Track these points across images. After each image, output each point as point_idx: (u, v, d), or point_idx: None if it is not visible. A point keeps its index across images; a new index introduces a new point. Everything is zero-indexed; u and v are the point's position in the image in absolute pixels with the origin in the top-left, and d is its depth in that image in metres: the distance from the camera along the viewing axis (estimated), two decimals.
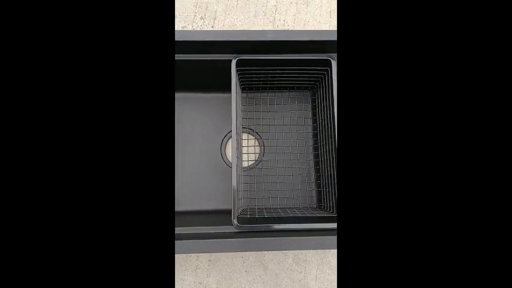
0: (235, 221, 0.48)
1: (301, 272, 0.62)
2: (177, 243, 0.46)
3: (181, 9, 0.71)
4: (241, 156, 0.63)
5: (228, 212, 0.61)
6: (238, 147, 0.57)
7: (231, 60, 0.54)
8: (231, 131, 0.65)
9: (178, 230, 0.52)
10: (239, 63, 0.54)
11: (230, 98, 0.65)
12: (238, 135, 0.57)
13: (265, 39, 0.49)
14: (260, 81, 0.62)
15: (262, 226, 0.48)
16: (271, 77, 0.60)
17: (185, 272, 0.61)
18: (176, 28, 0.71)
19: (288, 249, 0.45)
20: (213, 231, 0.52)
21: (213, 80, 0.61)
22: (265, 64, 0.56)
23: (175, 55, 0.56)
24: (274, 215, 0.54)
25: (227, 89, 0.64)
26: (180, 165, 0.63)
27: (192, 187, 0.62)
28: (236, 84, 0.53)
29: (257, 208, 0.60)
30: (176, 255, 0.61)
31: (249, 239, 0.44)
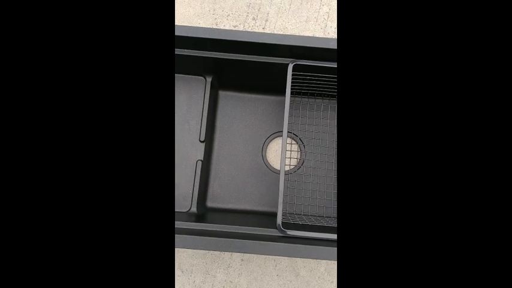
0: (280, 225, 0.48)
1: (332, 282, 0.62)
2: (220, 240, 0.46)
3: (234, 9, 0.72)
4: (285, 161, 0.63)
5: (263, 214, 0.62)
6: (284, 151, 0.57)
7: (284, 64, 0.54)
8: (273, 133, 0.65)
9: (218, 227, 0.52)
10: (295, 68, 0.54)
11: (274, 100, 0.66)
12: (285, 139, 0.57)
13: (327, 47, 0.49)
14: (310, 87, 0.62)
15: (308, 233, 0.48)
16: (321, 84, 0.60)
17: (217, 270, 0.61)
18: (227, 27, 0.71)
19: (334, 260, 0.45)
20: (254, 232, 0.52)
21: (262, 81, 0.62)
22: (318, 71, 0.56)
23: (232, 54, 0.56)
24: (314, 222, 0.54)
25: (273, 91, 0.65)
26: (225, 163, 0.63)
27: (232, 185, 0.62)
28: (289, 88, 0.53)
29: (295, 213, 0.60)
30: (209, 252, 0.62)
31: (297, 245, 0.44)
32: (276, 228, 0.49)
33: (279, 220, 0.48)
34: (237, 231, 0.52)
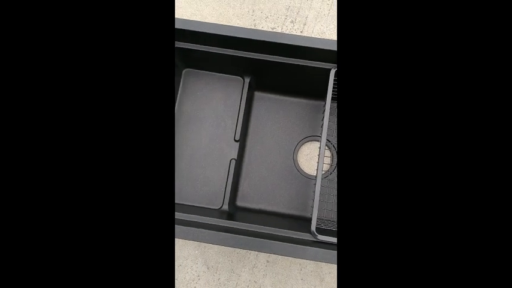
0: (314, 230, 0.48)
1: None
2: (251, 239, 0.47)
3: (273, 11, 0.72)
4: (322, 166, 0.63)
5: (292, 217, 0.62)
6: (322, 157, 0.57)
7: (325, 69, 0.54)
8: (306, 137, 0.65)
9: (248, 227, 0.53)
10: (337, 74, 0.54)
11: (308, 104, 0.66)
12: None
13: None
14: None
15: None
16: None
17: (242, 269, 0.62)
18: (265, 29, 0.72)
19: None
20: (284, 235, 0.52)
21: (299, 84, 0.62)
22: None
23: (272, 56, 0.57)
24: None
25: (308, 94, 0.65)
26: (256, 164, 0.63)
27: (261, 186, 0.63)
28: (330, 94, 0.53)
29: (325, 219, 0.60)
30: (235, 251, 0.62)
31: (330, 251, 0.44)
32: (309, 233, 0.49)
33: (314, 226, 0.48)
34: (267, 232, 0.52)
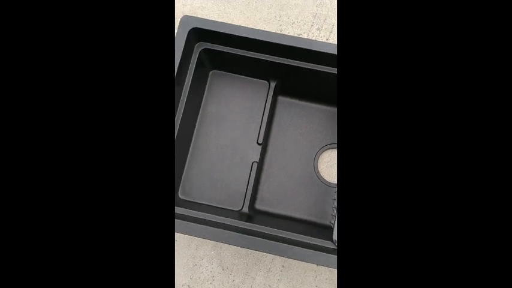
0: (336, 239, 0.48)
1: None
2: (270, 243, 0.47)
3: (300, 17, 0.72)
4: None
5: (310, 223, 0.61)
6: None
7: None
8: (327, 144, 0.65)
9: (267, 230, 0.53)
10: None
11: (331, 111, 0.65)
12: None
13: None
14: None
15: None
16: None
17: (257, 272, 0.62)
18: (291, 34, 0.72)
19: None
20: (304, 241, 0.52)
21: (324, 91, 0.62)
22: None
23: (299, 61, 0.57)
24: None
25: (332, 102, 0.65)
26: (276, 169, 0.63)
27: (281, 190, 0.63)
28: None
29: None
30: (251, 254, 0.62)
31: None
32: (330, 240, 0.49)
33: (336, 234, 0.48)
34: (288, 236, 0.52)
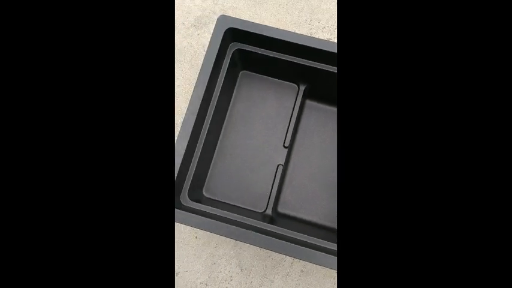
0: None
1: None
2: (294, 246, 0.47)
3: (331, 22, 0.72)
4: None
5: (331, 230, 0.61)
6: None
7: None
8: None
9: (293, 234, 0.52)
10: None
11: None
12: None
13: None
14: None
15: None
16: None
17: (275, 276, 0.61)
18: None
19: None
20: (327, 247, 0.51)
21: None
22: None
23: (329, 66, 0.57)
24: None
25: None
26: (299, 173, 0.63)
27: (303, 194, 0.62)
28: None
29: None
30: (270, 256, 0.62)
31: None
32: None
33: None
34: (308, 241, 0.52)
